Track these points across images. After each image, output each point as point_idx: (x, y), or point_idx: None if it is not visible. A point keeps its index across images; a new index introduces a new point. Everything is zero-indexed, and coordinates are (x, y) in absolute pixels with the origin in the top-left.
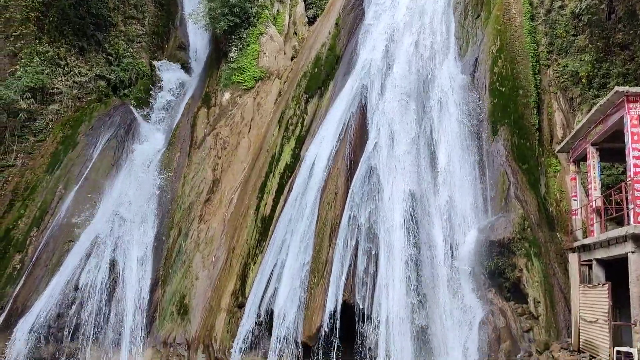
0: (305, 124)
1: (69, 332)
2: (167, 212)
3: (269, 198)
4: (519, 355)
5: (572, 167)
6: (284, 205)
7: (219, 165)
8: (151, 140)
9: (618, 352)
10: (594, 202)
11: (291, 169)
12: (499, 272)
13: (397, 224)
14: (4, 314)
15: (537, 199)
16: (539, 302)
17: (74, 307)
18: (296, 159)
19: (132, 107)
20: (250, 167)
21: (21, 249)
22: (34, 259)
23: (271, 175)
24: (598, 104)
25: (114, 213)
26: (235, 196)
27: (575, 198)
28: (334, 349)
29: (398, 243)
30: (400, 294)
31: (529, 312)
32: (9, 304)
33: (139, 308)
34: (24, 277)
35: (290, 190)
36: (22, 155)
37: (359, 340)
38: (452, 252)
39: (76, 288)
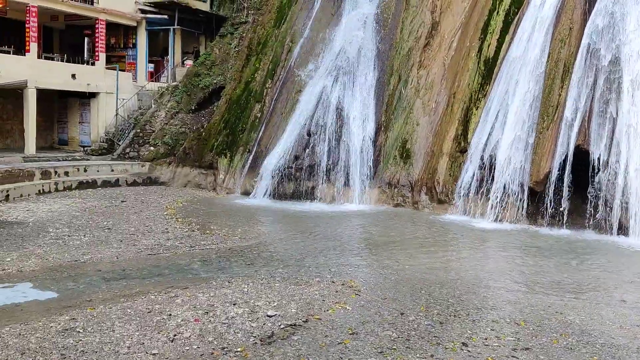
0: None
1: (306, 172)
2: (387, 59)
3: (493, 38)
4: None
5: None
6: (509, 46)
7: (438, 6)
8: None
9: None
10: None
11: (518, 4)
12: None
13: None
14: (251, 155)
15: None
16: None
17: (307, 150)
18: None
19: None
20: (472, 6)
21: (259, 99)
22: (270, 108)
23: (495, 13)
24: None
25: (336, 62)
26: (456, 39)
27: None
28: (563, 195)
29: None
30: None
31: None
32: (255, 147)
33: (365, 151)
34: (264, 124)
35: (516, 28)
36: (252, 11)
37: (593, 189)
38: None
39: (309, 134)
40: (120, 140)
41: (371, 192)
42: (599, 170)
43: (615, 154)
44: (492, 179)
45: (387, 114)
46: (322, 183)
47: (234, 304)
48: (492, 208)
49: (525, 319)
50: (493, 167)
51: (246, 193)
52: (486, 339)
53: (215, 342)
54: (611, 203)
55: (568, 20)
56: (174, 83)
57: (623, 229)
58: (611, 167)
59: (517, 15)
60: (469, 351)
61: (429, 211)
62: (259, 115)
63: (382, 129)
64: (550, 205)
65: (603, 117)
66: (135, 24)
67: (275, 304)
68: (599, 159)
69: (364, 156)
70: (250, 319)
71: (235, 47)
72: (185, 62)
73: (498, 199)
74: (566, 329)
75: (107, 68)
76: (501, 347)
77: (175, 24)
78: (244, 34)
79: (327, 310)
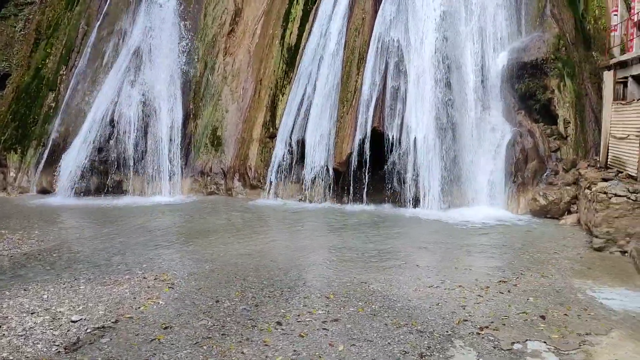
0: None
1: (111, 165)
2: (192, 45)
3: (294, 26)
4: (545, 173)
5: None
6: (309, 34)
7: None
8: None
9: None
10: (635, 16)
11: None
12: (530, 94)
13: (427, 47)
14: (47, 149)
15: (575, 17)
16: (569, 122)
17: (112, 141)
18: None
19: None
20: None
21: (53, 88)
22: (67, 96)
23: (295, 1)
24: None
25: (138, 48)
26: (259, 26)
27: (615, 13)
28: (363, 174)
29: (428, 67)
30: (429, 119)
31: (558, 133)
32: (51, 140)
33: (174, 140)
34: (60, 114)
35: (315, 17)
36: None
37: (389, 166)
38: (483, 75)
39: (112, 123)
40: None
41: (183, 182)
42: (393, 149)
43: (406, 133)
44: (301, 162)
45: (195, 101)
46: (130, 175)
47: (32, 313)
48: (301, 190)
49: (334, 292)
50: (301, 150)
51: (44, 191)
52: (299, 315)
53: (11, 357)
54: (405, 178)
55: (361, 11)
56: None
57: (416, 201)
58: (403, 146)
59: (316, 4)
60: (283, 329)
61: (243, 197)
62: (53, 105)
63: (191, 116)
64: (354, 183)
65: (395, 100)
66: None
67: (80, 308)
68: (392, 138)
69: (173, 145)
70: (51, 327)
71: (20, 30)
72: None
73: (307, 181)
74: (370, 297)
75: None
76: (313, 321)
77: None
78: (31, 16)
79: (139, 307)
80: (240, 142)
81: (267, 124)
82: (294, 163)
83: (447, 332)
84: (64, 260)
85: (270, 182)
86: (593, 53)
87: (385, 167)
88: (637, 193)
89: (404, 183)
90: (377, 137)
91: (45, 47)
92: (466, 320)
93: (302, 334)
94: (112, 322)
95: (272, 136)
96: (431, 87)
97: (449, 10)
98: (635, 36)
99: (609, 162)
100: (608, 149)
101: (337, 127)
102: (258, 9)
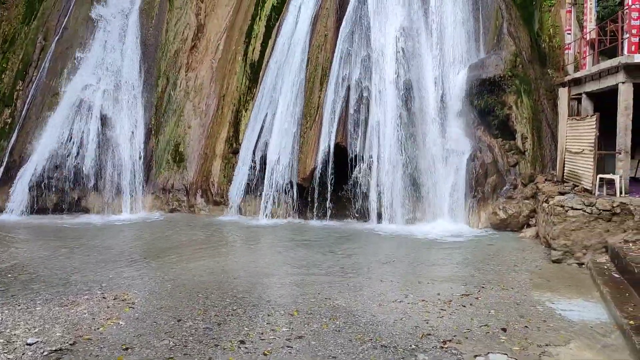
0: None
1: (70, 182)
2: (153, 61)
3: (257, 43)
4: (504, 187)
5: None
6: (272, 50)
7: (202, 9)
8: None
9: (601, 179)
10: (588, 34)
11: (278, 11)
12: (489, 111)
13: (388, 64)
14: (2, 167)
15: (530, 35)
16: (527, 137)
17: (70, 157)
18: None
19: None
20: (235, 10)
21: (9, 103)
22: (23, 112)
23: (258, 18)
24: None
25: (98, 63)
26: (222, 42)
27: (569, 32)
28: (327, 189)
29: (389, 84)
30: (391, 133)
31: (516, 148)
32: (6, 157)
33: (135, 157)
34: (16, 131)
35: (278, 33)
36: None
37: (352, 180)
38: (443, 91)
39: (70, 139)
40: None
41: (144, 199)
42: (356, 164)
43: (369, 149)
44: (264, 178)
45: (157, 117)
46: (89, 193)
47: None
48: (265, 206)
49: (298, 309)
50: (264, 166)
51: None
52: (262, 333)
53: None
54: (368, 194)
55: (323, 28)
56: None
57: (379, 217)
58: (366, 162)
59: (278, 21)
60: (246, 348)
61: (206, 214)
62: (9, 120)
63: (153, 132)
64: (317, 199)
65: (357, 115)
66: None
67: (36, 330)
68: (356, 154)
69: (134, 162)
70: (6, 351)
71: None
72: None
73: (270, 197)
74: (334, 312)
75: None
76: (276, 339)
77: None
78: None
79: (98, 328)
80: (203, 158)
81: (230, 140)
82: (257, 179)
83: (411, 346)
84: (19, 281)
85: (234, 199)
86: (548, 70)
87: (349, 182)
88: (592, 206)
89: (367, 199)
90: (341, 153)
91: (1, 61)
92: (429, 334)
93: (265, 352)
94: (70, 344)
95: (235, 152)
96: (393, 103)
97: (409, 27)
98: (588, 54)
99: (565, 176)
100: (564, 164)
101: (300, 142)
102: (220, 25)
